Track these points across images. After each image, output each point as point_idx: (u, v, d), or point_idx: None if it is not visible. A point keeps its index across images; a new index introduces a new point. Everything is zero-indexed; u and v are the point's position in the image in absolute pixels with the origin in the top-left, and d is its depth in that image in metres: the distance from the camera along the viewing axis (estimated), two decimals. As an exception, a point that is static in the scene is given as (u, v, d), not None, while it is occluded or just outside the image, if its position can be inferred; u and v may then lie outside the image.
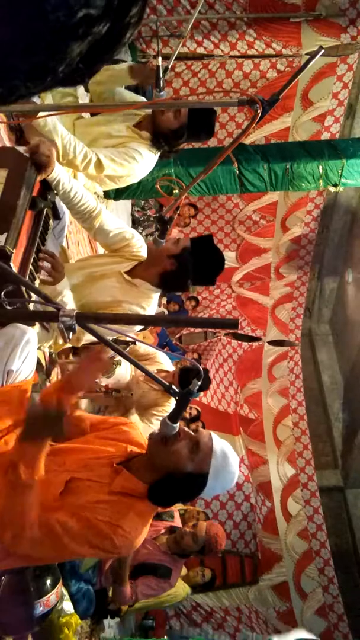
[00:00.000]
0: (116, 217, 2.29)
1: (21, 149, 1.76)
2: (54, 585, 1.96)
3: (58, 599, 2.04)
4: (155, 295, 2.21)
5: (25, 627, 1.90)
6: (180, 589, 3.49)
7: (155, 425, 2.86)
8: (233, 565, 5.72)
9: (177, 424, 1.45)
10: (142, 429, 2.75)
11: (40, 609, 1.88)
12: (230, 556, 5.71)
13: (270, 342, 7.39)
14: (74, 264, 2.32)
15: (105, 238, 2.21)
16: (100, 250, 3.97)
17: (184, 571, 3.67)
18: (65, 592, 2.33)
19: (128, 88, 2.65)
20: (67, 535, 1.31)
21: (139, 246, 2.23)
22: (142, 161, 2.48)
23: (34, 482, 1.29)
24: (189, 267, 2.13)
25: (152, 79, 2.45)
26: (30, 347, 1.67)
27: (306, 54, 5.20)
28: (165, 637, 4.67)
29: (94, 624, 3.05)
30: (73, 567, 2.48)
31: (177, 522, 3.32)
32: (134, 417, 2.76)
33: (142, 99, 2.67)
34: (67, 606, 2.30)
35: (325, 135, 5.81)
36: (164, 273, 2.13)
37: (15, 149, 1.77)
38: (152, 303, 2.18)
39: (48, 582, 1.93)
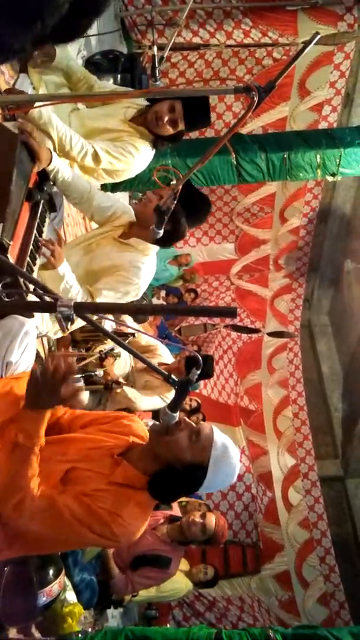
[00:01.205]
0: (105, 194, 2.33)
1: (10, 124, 1.69)
2: (56, 576, 1.97)
3: (61, 589, 2.06)
4: (154, 249, 2.25)
5: (28, 616, 1.92)
6: (182, 584, 3.52)
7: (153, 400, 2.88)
8: (235, 555, 5.76)
9: (177, 413, 1.45)
10: (135, 396, 2.77)
11: (43, 598, 1.89)
12: (232, 546, 5.74)
13: (270, 334, 7.40)
14: (69, 244, 2.38)
15: (102, 216, 2.28)
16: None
17: (186, 566, 3.70)
18: (68, 582, 2.35)
19: (124, 72, 2.62)
20: (69, 512, 1.33)
21: (128, 211, 2.31)
22: (138, 156, 2.47)
23: (33, 446, 1.34)
24: (180, 222, 2.16)
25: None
26: (29, 339, 1.67)
27: (302, 42, 5.16)
28: (169, 625, 4.72)
29: (97, 613, 3.08)
30: (76, 557, 2.50)
31: (176, 511, 3.34)
32: (127, 388, 2.76)
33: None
34: (70, 596, 2.32)
35: (322, 125, 5.78)
36: (159, 223, 2.12)
37: (3, 125, 1.70)
38: (150, 259, 2.23)
39: (51, 572, 1.95)
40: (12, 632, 1.99)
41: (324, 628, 1.93)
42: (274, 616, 5.53)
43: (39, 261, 1.90)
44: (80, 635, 2.20)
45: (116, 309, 1.54)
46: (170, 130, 2.39)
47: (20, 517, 1.32)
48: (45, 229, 2.00)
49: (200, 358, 1.38)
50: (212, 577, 3.71)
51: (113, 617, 3.61)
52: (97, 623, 3.05)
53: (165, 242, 2.22)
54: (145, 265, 2.18)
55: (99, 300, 2.01)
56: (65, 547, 1.55)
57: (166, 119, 2.34)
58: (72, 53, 3.42)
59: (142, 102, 2.50)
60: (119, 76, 3.72)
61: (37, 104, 1.91)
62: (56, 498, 1.36)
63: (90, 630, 2.39)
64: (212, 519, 2.97)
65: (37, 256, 1.88)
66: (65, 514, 1.32)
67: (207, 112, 2.49)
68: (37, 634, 2.16)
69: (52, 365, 1.31)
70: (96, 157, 2.33)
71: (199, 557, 4.45)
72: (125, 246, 2.19)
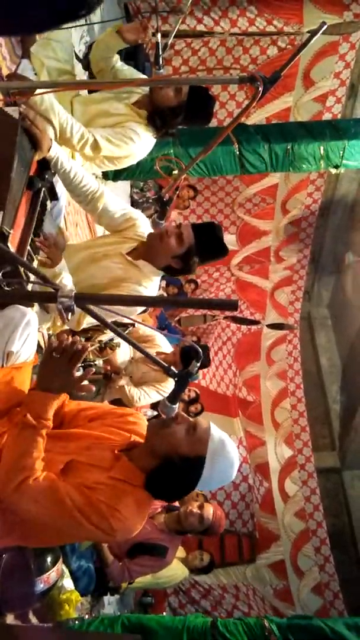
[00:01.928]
0: (118, 198, 2.27)
1: (10, 109, 1.65)
2: (54, 563, 1.99)
3: (59, 576, 2.07)
4: (157, 277, 2.20)
5: (26, 603, 1.93)
6: (179, 571, 3.55)
7: (148, 393, 2.89)
8: (231, 544, 5.81)
9: (177, 405, 1.45)
10: (133, 395, 2.77)
11: (41, 585, 1.91)
12: (228, 535, 5.79)
13: (269, 326, 7.39)
14: (74, 246, 2.30)
15: (110, 220, 2.19)
16: (99, 231, 3.95)
17: (183, 553, 3.73)
18: (66, 570, 2.37)
19: (127, 59, 2.58)
20: (70, 500, 1.33)
21: (145, 228, 2.22)
22: (140, 142, 2.44)
23: (42, 427, 1.36)
24: (193, 264, 2.13)
25: (145, 35, 2.37)
26: (30, 329, 1.67)
27: (308, 31, 5.10)
28: (164, 613, 4.78)
29: (94, 600, 3.11)
30: (73, 545, 2.52)
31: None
32: (123, 381, 2.76)
33: (142, 76, 2.61)
34: (68, 583, 2.34)
35: (326, 116, 5.73)
36: (169, 268, 2.14)
37: (3, 111, 1.66)
38: (153, 285, 2.18)
39: (48, 559, 1.96)
40: (10, 618, 2.01)
41: (318, 618, 1.95)
42: (268, 605, 5.59)
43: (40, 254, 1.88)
44: (77, 621, 2.22)
45: (116, 300, 1.53)
46: (171, 96, 2.31)
47: (22, 499, 1.32)
48: (46, 218, 1.98)
49: (191, 346, 1.38)
50: (208, 564, 3.74)
51: (109, 603, 3.66)
52: (93, 610, 3.09)
53: (173, 274, 2.21)
54: (146, 291, 2.13)
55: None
56: (61, 537, 1.55)
57: (171, 88, 2.30)
58: (75, 38, 3.38)
59: (145, 87, 2.47)
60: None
61: (38, 90, 1.89)
62: (59, 483, 1.36)
63: (87, 616, 2.42)
64: (209, 510, 2.99)
65: (38, 246, 1.87)
66: (66, 500, 1.33)
67: (209, 112, 2.44)
68: (34, 620, 2.19)
69: (66, 346, 1.34)
70: (96, 147, 2.30)
71: (195, 546, 4.48)
72: (131, 266, 2.13)
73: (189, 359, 3.11)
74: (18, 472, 1.32)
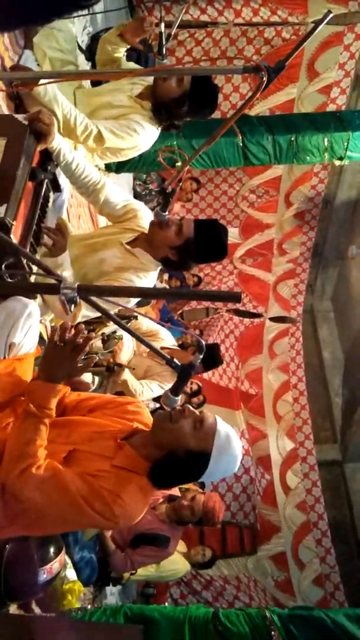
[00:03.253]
0: (120, 189, 2.26)
1: (20, 116, 1.72)
2: (57, 553, 2.00)
3: (61, 566, 2.08)
4: (155, 269, 2.19)
5: (29, 593, 1.95)
6: (181, 564, 3.58)
7: (151, 387, 2.89)
8: (232, 535, 5.84)
9: (179, 397, 1.46)
10: (136, 388, 2.77)
11: (44, 576, 1.92)
12: (229, 527, 5.82)
13: (272, 319, 7.38)
14: (75, 236, 2.30)
15: (112, 211, 2.19)
16: (102, 223, 3.93)
17: (184, 548, 3.76)
18: (69, 560, 2.38)
19: (130, 49, 2.57)
20: (74, 486, 1.34)
21: (146, 219, 2.21)
22: (144, 134, 2.42)
23: (44, 416, 1.37)
24: (190, 259, 2.12)
25: (146, 31, 2.35)
26: (32, 320, 1.67)
27: (312, 21, 5.05)
28: (166, 604, 4.81)
29: (96, 590, 3.14)
30: (76, 536, 2.53)
31: (175, 490, 3.38)
32: (126, 374, 2.76)
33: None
34: (71, 574, 2.36)
35: (331, 108, 5.68)
36: (166, 259, 2.13)
37: (14, 117, 1.73)
38: (151, 276, 2.17)
39: (51, 550, 1.98)
40: (13, 608, 2.03)
41: (319, 609, 1.96)
42: (269, 596, 5.62)
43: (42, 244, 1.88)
44: (79, 611, 2.24)
45: (120, 292, 1.53)
46: (174, 87, 2.28)
47: (25, 486, 1.33)
48: (48, 210, 1.98)
49: (205, 345, 1.38)
50: (210, 559, 3.78)
51: (112, 594, 3.69)
52: (96, 600, 3.11)
53: (170, 267, 2.20)
54: (144, 282, 2.11)
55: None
56: (64, 525, 1.55)
57: (174, 79, 2.28)
58: (78, 29, 3.36)
59: (149, 79, 2.45)
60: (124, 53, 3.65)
61: (42, 81, 1.88)
62: (62, 470, 1.37)
63: (89, 606, 2.44)
64: (199, 500, 3.01)
65: (40, 237, 1.87)
66: (70, 486, 1.34)
67: (214, 99, 2.42)
68: (37, 610, 2.21)
69: (71, 336, 1.35)
70: (100, 139, 2.29)
71: (196, 538, 4.52)
72: (130, 255, 2.12)
73: (210, 357, 3.14)
74: (21, 460, 1.33)
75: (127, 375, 2.74)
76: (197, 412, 1.49)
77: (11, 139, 1.65)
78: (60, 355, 1.37)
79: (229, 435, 1.47)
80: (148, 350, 2.58)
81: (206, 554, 3.77)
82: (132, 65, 2.65)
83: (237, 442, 1.49)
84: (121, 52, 2.45)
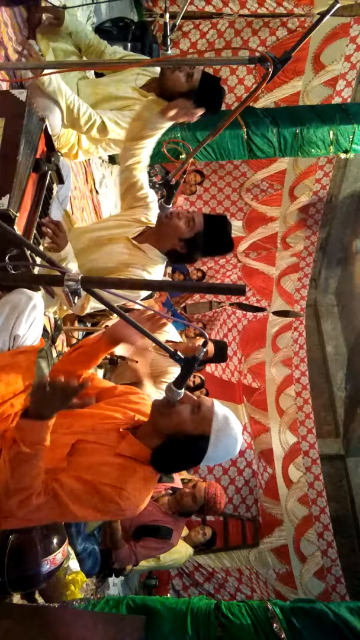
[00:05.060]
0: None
1: (17, 92, 1.61)
2: (60, 545, 2.01)
3: (64, 557, 2.09)
4: (162, 263, 2.19)
5: (32, 583, 1.96)
6: (182, 551, 3.60)
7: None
8: (234, 528, 5.87)
9: (182, 390, 1.46)
10: (155, 396, 2.77)
11: (47, 566, 1.93)
12: (232, 519, 5.85)
13: (275, 313, 7.38)
14: (80, 229, 2.29)
15: (134, 191, 2.19)
16: (105, 216, 3.92)
17: (185, 531, 3.78)
18: (72, 551, 2.39)
19: (134, 40, 2.55)
20: (71, 500, 1.34)
21: (155, 213, 2.21)
22: None
23: (39, 451, 1.29)
24: (197, 252, 2.12)
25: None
26: (36, 313, 1.67)
27: (318, 13, 5.00)
28: (168, 595, 4.84)
29: (99, 581, 3.15)
30: (79, 527, 2.54)
31: (178, 483, 3.39)
32: (148, 387, 2.76)
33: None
34: (74, 564, 2.37)
35: (336, 100, 5.64)
36: (174, 251, 2.12)
37: (10, 93, 1.62)
38: (157, 270, 2.16)
39: (55, 541, 1.98)
40: (17, 598, 2.05)
41: (321, 602, 1.97)
42: (271, 588, 5.66)
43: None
44: (82, 602, 2.25)
45: (124, 284, 1.52)
46: (182, 81, 2.24)
47: (29, 512, 1.33)
48: (52, 202, 1.97)
49: (210, 339, 1.37)
50: (211, 538, 3.78)
51: (114, 585, 3.71)
52: (98, 590, 3.13)
53: (176, 260, 2.19)
54: (151, 277, 2.11)
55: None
56: (69, 520, 1.57)
57: (183, 73, 2.24)
58: (82, 19, 3.33)
59: (153, 70, 2.43)
60: (129, 45, 3.63)
61: (45, 71, 1.87)
62: (58, 491, 1.33)
63: (92, 597, 2.45)
64: (201, 487, 3.03)
65: (42, 230, 1.86)
66: (69, 505, 1.33)
67: (219, 101, 2.39)
68: (40, 600, 2.22)
69: (63, 383, 1.25)
70: (103, 129, 2.27)
71: (198, 523, 4.53)
72: (136, 250, 2.12)
73: (221, 353, 3.14)
74: (18, 494, 1.30)
75: (147, 387, 2.73)
76: (194, 396, 1.50)
77: (9, 119, 1.58)
78: (51, 399, 1.27)
79: (227, 417, 1.47)
80: (153, 343, 2.58)
81: (207, 533, 3.78)
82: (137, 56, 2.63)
83: (236, 423, 1.49)
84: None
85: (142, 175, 2.15)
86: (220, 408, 1.49)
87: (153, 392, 2.73)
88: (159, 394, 2.83)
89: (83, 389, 1.26)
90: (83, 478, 1.37)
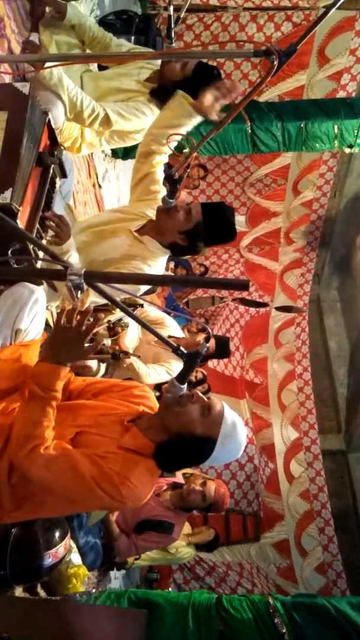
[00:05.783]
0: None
1: (20, 85, 1.61)
2: (62, 538, 2.02)
3: (66, 551, 2.10)
4: (163, 256, 2.18)
5: (34, 576, 1.97)
6: (185, 550, 3.61)
7: (158, 371, 2.88)
8: (236, 523, 5.88)
9: (185, 385, 1.46)
10: (142, 371, 2.77)
11: (49, 560, 1.94)
12: (233, 514, 5.86)
13: (278, 308, 7.36)
14: (82, 222, 2.28)
15: (147, 182, 2.19)
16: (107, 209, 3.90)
17: (188, 529, 3.79)
18: (74, 545, 2.41)
19: (138, 33, 2.54)
20: (83, 465, 1.34)
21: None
22: (152, 117, 2.40)
23: (51, 398, 1.36)
24: (199, 242, 2.10)
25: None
26: (38, 307, 1.67)
27: (323, 6, 4.95)
28: (170, 589, 4.86)
29: (100, 575, 3.17)
30: (81, 521, 2.55)
31: (179, 478, 3.40)
32: (136, 362, 2.75)
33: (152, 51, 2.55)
34: (75, 558, 2.38)
35: (341, 94, 5.60)
36: (175, 244, 2.11)
37: (13, 86, 1.62)
38: (158, 264, 2.15)
39: (57, 534, 1.99)
40: (19, 591, 2.06)
41: (322, 597, 1.97)
42: (272, 582, 5.68)
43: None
44: (84, 595, 2.26)
45: (127, 279, 1.52)
46: (176, 70, 2.25)
47: (33, 465, 1.33)
48: (55, 196, 1.96)
49: (213, 335, 1.37)
50: (213, 539, 3.80)
51: (116, 578, 3.73)
52: (100, 584, 3.15)
53: (179, 253, 2.17)
54: (152, 270, 2.10)
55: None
56: (72, 506, 1.54)
57: (179, 62, 2.24)
58: (85, 12, 3.31)
59: (157, 63, 2.42)
60: (132, 38, 3.60)
61: (48, 64, 1.86)
62: (71, 450, 1.37)
63: (93, 590, 2.46)
64: (212, 487, 3.04)
65: (45, 223, 1.85)
66: (79, 465, 1.34)
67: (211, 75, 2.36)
68: (42, 593, 2.23)
69: (79, 318, 1.34)
70: (107, 121, 2.26)
71: (200, 524, 4.54)
72: (138, 243, 2.11)
73: (223, 349, 3.14)
74: (28, 440, 1.33)
75: (132, 358, 2.73)
76: (205, 398, 1.50)
77: (12, 112, 1.57)
78: (68, 337, 1.35)
79: (235, 423, 1.48)
80: (156, 338, 2.58)
81: (211, 535, 3.80)
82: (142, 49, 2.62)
83: (242, 429, 1.50)
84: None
85: (160, 168, 2.14)
86: (230, 413, 1.50)
87: (134, 360, 2.73)
88: (150, 370, 2.83)
89: (96, 324, 1.37)
90: (92, 457, 1.37)
